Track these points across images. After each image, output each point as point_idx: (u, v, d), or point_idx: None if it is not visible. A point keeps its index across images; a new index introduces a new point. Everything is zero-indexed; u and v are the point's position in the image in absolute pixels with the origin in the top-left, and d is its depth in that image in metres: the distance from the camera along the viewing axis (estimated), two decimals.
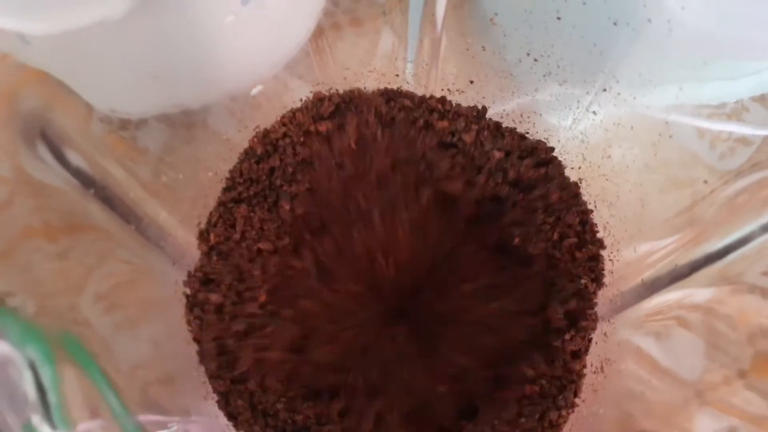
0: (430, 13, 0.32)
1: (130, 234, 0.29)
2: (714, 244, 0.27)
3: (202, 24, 0.31)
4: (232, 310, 0.31)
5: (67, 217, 0.27)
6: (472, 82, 0.35)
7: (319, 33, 0.36)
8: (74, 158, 0.25)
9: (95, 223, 0.29)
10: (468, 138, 0.33)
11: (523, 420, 0.30)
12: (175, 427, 0.28)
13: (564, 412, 0.30)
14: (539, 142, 0.34)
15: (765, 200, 0.25)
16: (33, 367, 0.19)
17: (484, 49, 0.33)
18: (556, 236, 0.32)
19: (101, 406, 0.21)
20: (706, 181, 0.28)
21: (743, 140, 0.30)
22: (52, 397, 0.19)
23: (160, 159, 0.32)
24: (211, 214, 0.32)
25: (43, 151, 0.24)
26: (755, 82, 0.29)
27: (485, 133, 0.33)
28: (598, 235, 0.33)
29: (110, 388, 0.22)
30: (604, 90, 0.30)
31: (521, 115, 0.35)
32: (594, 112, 0.31)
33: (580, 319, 0.31)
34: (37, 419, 0.18)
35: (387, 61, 0.35)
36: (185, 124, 0.33)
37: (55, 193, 0.27)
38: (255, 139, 0.33)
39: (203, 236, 0.32)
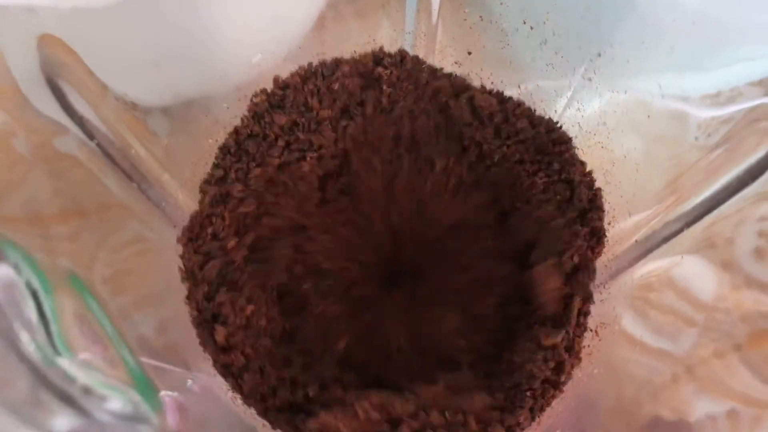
0: None
1: (133, 194, 0.30)
2: (699, 197, 0.28)
3: (202, 8, 0.32)
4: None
5: (79, 196, 0.28)
6: (470, 53, 0.35)
7: (320, 25, 0.36)
8: (80, 106, 0.26)
9: (105, 201, 0.29)
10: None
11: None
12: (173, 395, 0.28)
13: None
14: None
15: (744, 152, 0.26)
16: (35, 296, 0.19)
17: (481, 19, 0.34)
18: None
19: (103, 339, 0.21)
20: (696, 138, 0.29)
21: (731, 118, 0.30)
22: (53, 326, 0.19)
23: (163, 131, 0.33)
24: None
25: (48, 96, 0.25)
26: (750, 68, 0.30)
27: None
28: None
29: (112, 326, 0.23)
30: (599, 55, 0.31)
31: (519, 86, 0.35)
32: (589, 79, 0.32)
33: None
34: (42, 342, 0.19)
35: (385, 32, 0.36)
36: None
37: (67, 165, 0.27)
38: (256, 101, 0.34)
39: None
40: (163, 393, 0.24)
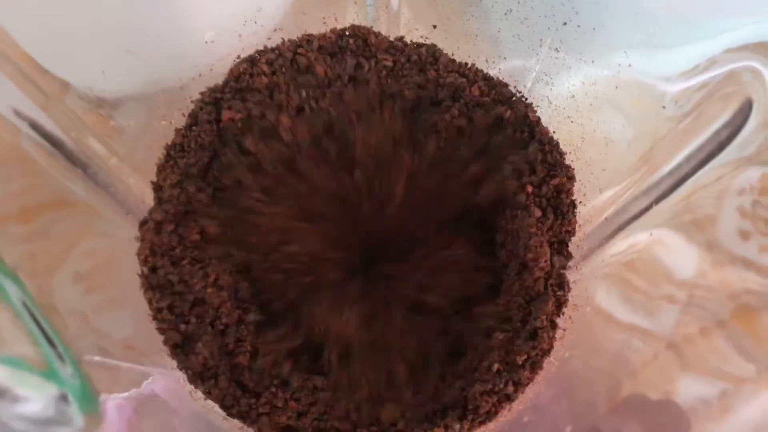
0: None
1: (79, 181, 0.28)
2: (669, 164, 0.26)
3: None
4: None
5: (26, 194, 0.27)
6: (435, 26, 0.34)
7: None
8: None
9: (56, 197, 0.28)
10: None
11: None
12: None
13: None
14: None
15: (712, 117, 0.25)
16: None
17: None
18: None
19: (33, 336, 0.20)
20: (664, 107, 0.28)
21: (704, 85, 0.29)
22: None
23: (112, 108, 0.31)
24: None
25: None
26: (732, 37, 0.29)
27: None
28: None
29: (50, 324, 0.22)
30: (564, 24, 0.30)
31: (486, 61, 0.34)
32: (556, 50, 0.31)
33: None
34: None
35: (348, 6, 0.34)
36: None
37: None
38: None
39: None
40: (110, 396, 0.23)
